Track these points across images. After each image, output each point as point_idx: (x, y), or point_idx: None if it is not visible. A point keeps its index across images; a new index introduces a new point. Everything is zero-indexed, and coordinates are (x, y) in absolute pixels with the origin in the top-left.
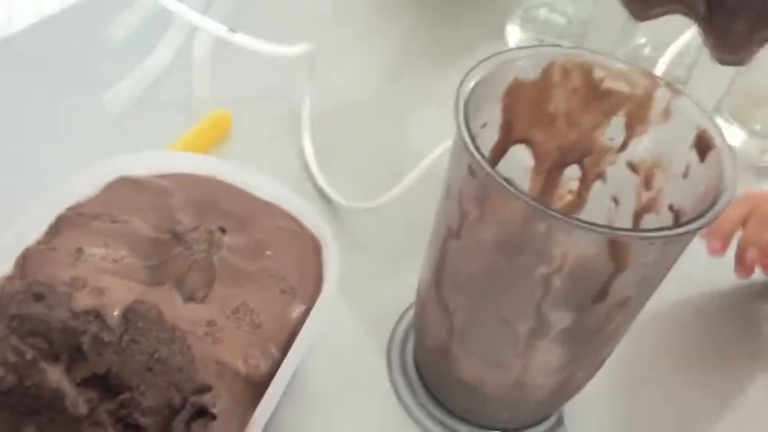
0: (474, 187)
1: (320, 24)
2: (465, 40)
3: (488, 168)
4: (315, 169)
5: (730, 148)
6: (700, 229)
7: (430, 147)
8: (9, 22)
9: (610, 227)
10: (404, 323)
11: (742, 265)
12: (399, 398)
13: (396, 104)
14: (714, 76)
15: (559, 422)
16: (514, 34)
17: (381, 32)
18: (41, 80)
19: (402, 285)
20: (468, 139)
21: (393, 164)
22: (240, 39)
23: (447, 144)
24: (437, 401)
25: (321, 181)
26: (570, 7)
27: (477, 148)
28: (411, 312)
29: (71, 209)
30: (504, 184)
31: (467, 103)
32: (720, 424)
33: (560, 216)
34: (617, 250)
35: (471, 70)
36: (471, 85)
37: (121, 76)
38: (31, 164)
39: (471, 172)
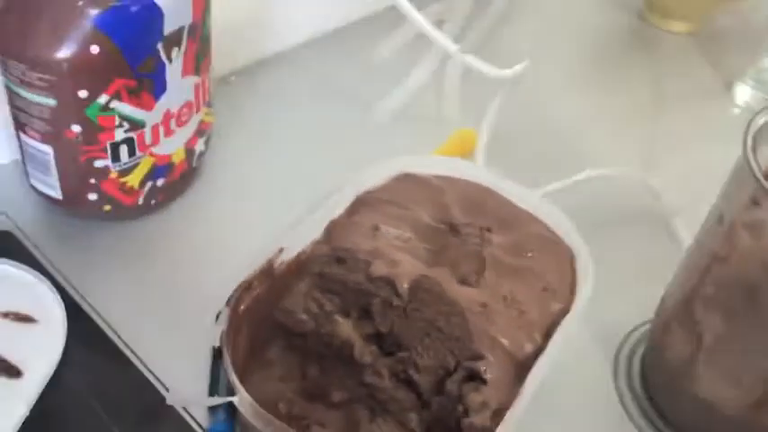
0: (755, 216)
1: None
2: (688, 93)
3: None
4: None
5: None
6: None
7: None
8: (287, 36)
9: None
10: (634, 335)
11: None
12: (625, 408)
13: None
14: None
15: None
16: (744, 93)
17: (598, 71)
18: (317, 91)
19: (635, 300)
20: (756, 169)
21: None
22: (484, 67)
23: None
24: (662, 416)
25: None
26: None
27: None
28: (642, 328)
29: (367, 193)
30: None
31: (756, 136)
32: None
33: None
34: None
35: (761, 110)
36: (761, 121)
37: (382, 92)
38: (317, 161)
39: (755, 201)
